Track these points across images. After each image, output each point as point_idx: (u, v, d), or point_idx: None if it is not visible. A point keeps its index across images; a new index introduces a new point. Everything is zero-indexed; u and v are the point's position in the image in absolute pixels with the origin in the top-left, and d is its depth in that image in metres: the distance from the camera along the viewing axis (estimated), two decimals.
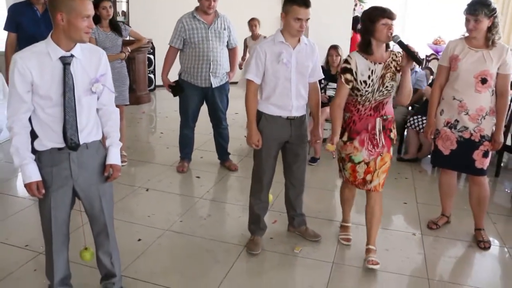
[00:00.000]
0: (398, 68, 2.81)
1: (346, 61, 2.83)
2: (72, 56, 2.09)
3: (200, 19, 4.13)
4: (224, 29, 4.24)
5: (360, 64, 2.78)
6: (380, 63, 2.78)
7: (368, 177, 2.92)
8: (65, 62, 2.07)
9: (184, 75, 4.30)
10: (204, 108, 4.53)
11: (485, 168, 3.22)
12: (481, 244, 3.32)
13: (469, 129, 3.16)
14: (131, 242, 3.17)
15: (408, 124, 5.05)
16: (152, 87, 8.55)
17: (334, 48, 5.04)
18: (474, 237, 3.42)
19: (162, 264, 2.97)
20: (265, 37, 5.38)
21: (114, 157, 2.31)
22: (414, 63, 2.78)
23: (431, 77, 5.67)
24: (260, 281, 2.87)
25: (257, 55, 2.87)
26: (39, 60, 2.04)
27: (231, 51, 4.43)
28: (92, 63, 2.19)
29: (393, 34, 2.67)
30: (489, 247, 3.30)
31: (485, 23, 2.98)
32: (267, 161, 3.05)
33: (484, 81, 3.05)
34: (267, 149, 3.02)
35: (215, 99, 4.37)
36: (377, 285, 2.84)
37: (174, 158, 4.79)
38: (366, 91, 2.79)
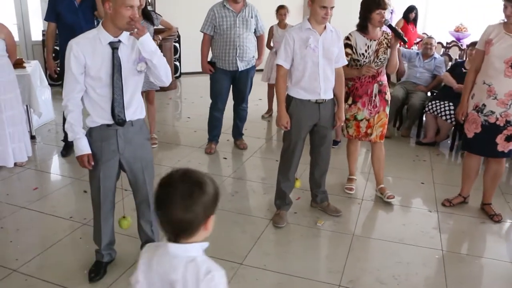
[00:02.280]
0: (389, 45, 3.46)
1: (347, 38, 3.46)
2: (119, 41, 2.32)
3: (229, 8, 4.38)
4: (252, 17, 4.49)
5: (359, 40, 3.45)
6: (374, 40, 3.44)
7: (369, 131, 3.65)
8: (114, 47, 2.31)
9: (214, 59, 4.55)
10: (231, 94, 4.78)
11: (506, 151, 3.28)
12: (495, 217, 3.47)
13: (496, 114, 3.18)
14: None
15: (427, 109, 5.16)
16: (178, 74, 8.77)
17: None
18: (484, 212, 3.58)
19: None
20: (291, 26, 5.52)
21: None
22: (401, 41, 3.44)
23: (450, 63, 5.78)
24: (286, 249, 3.08)
25: (286, 41, 3.06)
26: (91, 45, 2.29)
27: (258, 38, 4.68)
28: (135, 46, 2.38)
29: (384, 19, 3.32)
30: (502, 219, 3.47)
31: None
32: (296, 142, 3.23)
33: None
34: (296, 131, 3.20)
35: (240, 81, 4.63)
36: (394, 255, 3.02)
37: (202, 140, 5.02)
38: (364, 61, 3.46)
